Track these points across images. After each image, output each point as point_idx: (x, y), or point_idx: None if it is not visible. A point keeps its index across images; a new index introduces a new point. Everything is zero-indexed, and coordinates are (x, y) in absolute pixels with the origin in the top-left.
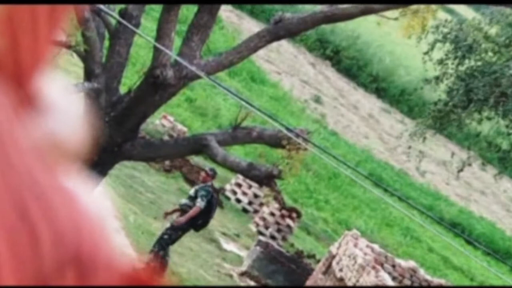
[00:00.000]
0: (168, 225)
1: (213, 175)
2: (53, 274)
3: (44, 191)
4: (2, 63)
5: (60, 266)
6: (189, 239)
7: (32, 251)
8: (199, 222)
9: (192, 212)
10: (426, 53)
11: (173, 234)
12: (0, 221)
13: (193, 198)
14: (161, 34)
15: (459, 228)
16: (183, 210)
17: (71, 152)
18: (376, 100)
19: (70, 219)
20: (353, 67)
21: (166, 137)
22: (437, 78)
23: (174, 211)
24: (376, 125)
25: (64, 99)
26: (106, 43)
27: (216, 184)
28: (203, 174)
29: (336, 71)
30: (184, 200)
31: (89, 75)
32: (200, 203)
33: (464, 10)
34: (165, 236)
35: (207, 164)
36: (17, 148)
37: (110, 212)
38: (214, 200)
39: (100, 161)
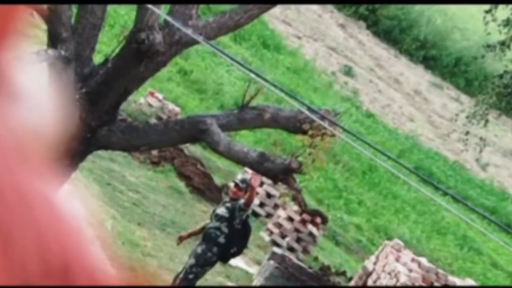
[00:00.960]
0: (192, 261)
1: (246, 188)
2: (38, 281)
3: (24, 193)
4: None
5: (45, 278)
6: (183, 251)
7: (17, 261)
8: (233, 250)
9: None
10: (488, 11)
11: (200, 271)
12: None
13: (225, 219)
14: None
15: None
16: (209, 236)
17: (44, 144)
18: (424, 72)
19: (53, 228)
20: (394, 30)
21: (153, 120)
22: (502, 43)
23: (191, 234)
24: (424, 105)
25: (34, 81)
26: None
27: (218, 180)
28: (232, 188)
29: (372, 35)
30: (211, 222)
31: (54, 40)
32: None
33: None
34: (190, 276)
35: (205, 155)
36: None
37: (86, 218)
38: (249, 222)
39: (69, 151)
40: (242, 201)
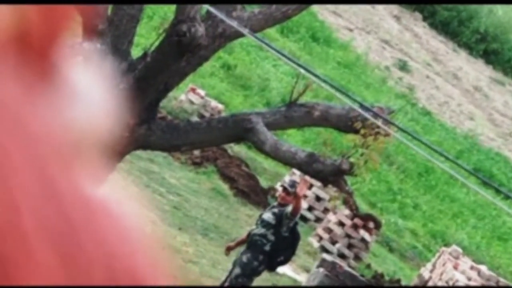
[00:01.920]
0: (237, 270)
1: (295, 192)
2: None
3: (84, 199)
4: (17, 31)
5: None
6: (227, 258)
7: (82, 270)
8: (280, 259)
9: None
10: None
11: (246, 281)
12: (53, 243)
13: (272, 226)
14: None
15: None
16: (254, 244)
17: (98, 144)
18: (485, 67)
19: (118, 234)
20: (453, 22)
21: (195, 118)
22: None
23: (239, 243)
24: (485, 102)
25: (89, 78)
26: None
27: (263, 182)
28: (281, 192)
29: (429, 27)
30: (256, 229)
31: (89, 32)
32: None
33: None
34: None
35: (250, 155)
36: (30, 136)
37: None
38: (298, 229)
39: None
40: (289, 209)
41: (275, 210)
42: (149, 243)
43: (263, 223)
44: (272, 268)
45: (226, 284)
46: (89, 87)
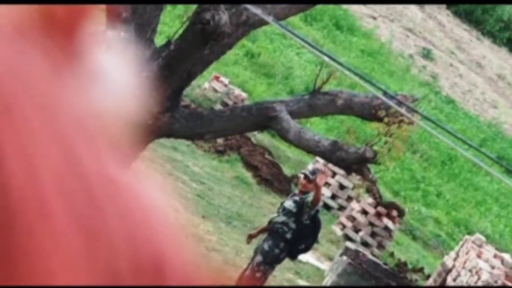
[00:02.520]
0: (259, 258)
1: (315, 180)
2: (128, 281)
3: (112, 183)
4: (44, 11)
5: (136, 278)
6: (250, 246)
7: (105, 259)
8: (301, 247)
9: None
10: None
11: (268, 269)
12: (78, 221)
13: (293, 214)
14: None
15: None
16: (276, 232)
17: (124, 127)
18: (508, 55)
19: (144, 222)
20: (476, 10)
21: (218, 106)
22: None
23: (261, 231)
24: (508, 90)
25: (114, 61)
26: None
27: (287, 170)
28: (302, 180)
29: (453, 15)
30: (278, 216)
31: (113, 20)
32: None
33: None
34: (258, 274)
35: (274, 144)
36: (57, 115)
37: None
38: (319, 217)
39: (129, 139)
40: (310, 197)
41: (297, 198)
42: (172, 228)
43: (285, 211)
44: (293, 256)
45: (248, 273)
46: (114, 70)
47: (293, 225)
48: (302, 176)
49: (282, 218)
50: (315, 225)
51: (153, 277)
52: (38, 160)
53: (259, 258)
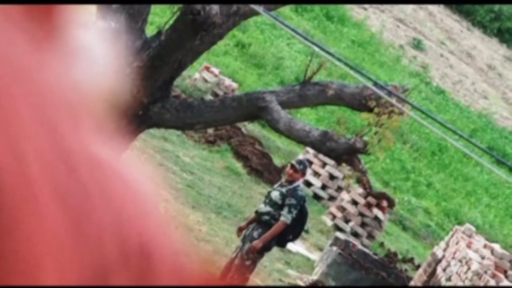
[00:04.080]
0: (247, 246)
1: (303, 169)
2: (115, 266)
3: (97, 164)
4: None
5: (123, 259)
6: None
7: (92, 243)
8: (289, 237)
9: (274, 231)
10: None
11: (257, 257)
12: (63, 203)
13: (278, 206)
14: None
15: None
16: (263, 222)
17: (101, 105)
18: (499, 45)
19: (131, 205)
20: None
21: (209, 96)
22: None
23: (250, 222)
24: (499, 80)
25: (93, 39)
26: None
27: (277, 160)
28: (288, 169)
29: (444, 6)
30: (263, 207)
31: (103, 10)
32: (286, 217)
33: None
34: (247, 262)
35: (264, 134)
36: (40, 93)
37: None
38: (306, 206)
39: (120, 129)
40: (299, 183)
41: (283, 190)
42: (158, 209)
43: (271, 202)
44: (282, 244)
45: (237, 261)
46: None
47: (278, 216)
48: (289, 165)
49: (268, 209)
50: (303, 215)
51: (140, 261)
52: (23, 141)
53: (248, 246)
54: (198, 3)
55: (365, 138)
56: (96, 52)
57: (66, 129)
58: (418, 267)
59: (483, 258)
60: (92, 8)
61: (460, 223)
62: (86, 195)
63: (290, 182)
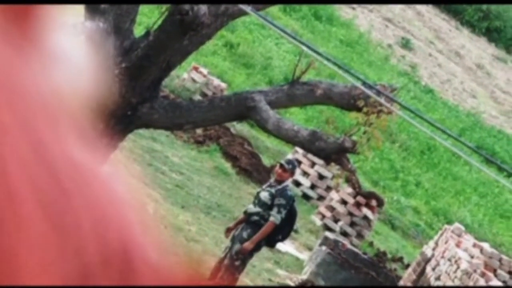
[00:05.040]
0: (238, 246)
1: (292, 169)
2: (97, 269)
3: (78, 168)
4: None
5: (105, 261)
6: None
7: (73, 247)
8: (278, 237)
9: (264, 232)
10: None
11: (247, 257)
12: (44, 206)
13: (268, 206)
14: None
15: None
16: (253, 222)
17: (81, 109)
18: (488, 44)
19: (112, 209)
20: None
21: (197, 97)
22: None
23: (238, 223)
24: (487, 79)
25: (72, 44)
26: None
27: (266, 160)
28: (278, 169)
29: (432, 5)
30: (252, 207)
31: (92, 11)
32: (275, 217)
33: None
34: (237, 263)
35: (253, 134)
36: (19, 97)
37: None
38: (295, 206)
39: (108, 129)
40: (288, 183)
41: (272, 190)
42: (139, 212)
43: (260, 203)
44: (271, 244)
45: (227, 262)
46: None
47: (268, 217)
48: (278, 165)
49: (257, 209)
50: (292, 214)
51: (122, 263)
52: (3, 146)
53: (237, 246)
54: (187, 3)
55: (354, 137)
56: (75, 55)
57: (47, 133)
58: (407, 266)
59: (472, 257)
60: (80, 9)
61: (449, 222)
62: (67, 198)
63: (279, 182)
